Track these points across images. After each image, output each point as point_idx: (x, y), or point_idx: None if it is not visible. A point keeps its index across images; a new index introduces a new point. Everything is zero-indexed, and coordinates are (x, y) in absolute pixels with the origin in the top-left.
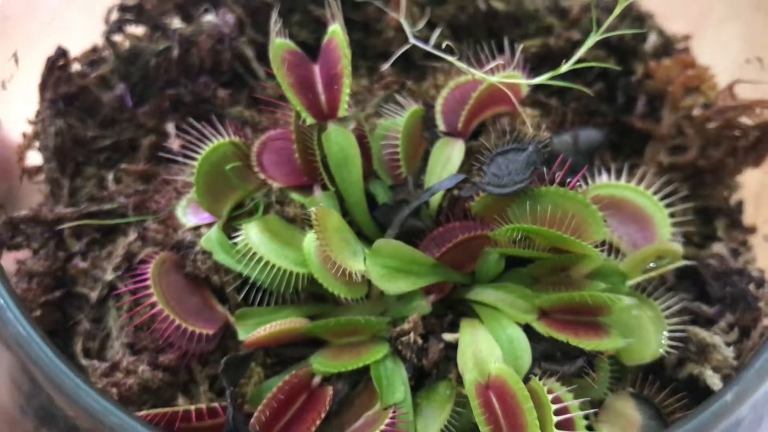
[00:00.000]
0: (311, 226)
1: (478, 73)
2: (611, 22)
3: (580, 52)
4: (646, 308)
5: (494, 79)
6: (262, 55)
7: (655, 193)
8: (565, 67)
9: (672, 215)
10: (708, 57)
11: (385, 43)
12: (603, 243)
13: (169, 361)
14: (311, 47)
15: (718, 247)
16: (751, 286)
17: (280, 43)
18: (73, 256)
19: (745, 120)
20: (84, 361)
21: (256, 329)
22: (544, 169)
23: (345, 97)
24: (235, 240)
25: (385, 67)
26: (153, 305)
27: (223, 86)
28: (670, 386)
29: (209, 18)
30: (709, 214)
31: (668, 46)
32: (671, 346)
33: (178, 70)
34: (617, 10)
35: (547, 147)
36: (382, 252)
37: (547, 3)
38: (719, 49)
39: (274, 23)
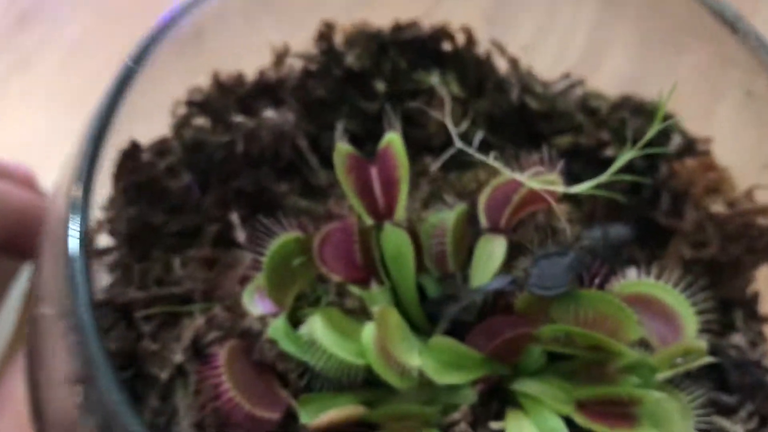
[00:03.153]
0: (369, 319)
1: (520, 178)
2: (637, 122)
3: (617, 164)
4: (674, 400)
5: (536, 185)
6: (314, 145)
7: (682, 291)
8: (605, 177)
9: (697, 312)
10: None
11: (427, 137)
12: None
13: None
14: (357, 138)
15: (737, 338)
16: None
17: (342, 149)
18: (143, 336)
19: (762, 221)
20: None
21: (318, 415)
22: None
23: (402, 202)
24: (300, 331)
25: (434, 168)
26: (225, 390)
27: (279, 175)
28: None
29: (270, 114)
30: (728, 304)
31: (690, 147)
32: None
33: (241, 162)
34: (653, 130)
35: (589, 254)
36: (437, 348)
37: (577, 102)
38: (729, 142)
39: (340, 132)
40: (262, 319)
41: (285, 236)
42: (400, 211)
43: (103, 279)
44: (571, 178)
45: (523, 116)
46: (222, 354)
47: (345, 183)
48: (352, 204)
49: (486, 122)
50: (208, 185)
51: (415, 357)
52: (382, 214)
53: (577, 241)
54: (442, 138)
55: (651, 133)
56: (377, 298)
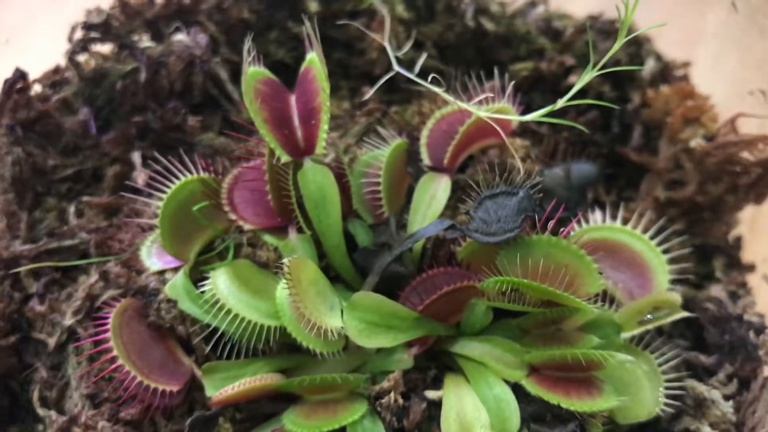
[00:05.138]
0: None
1: (466, 106)
2: (606, 46)
3: (577, 87)
4: (642, 362)
5: (484, 114)
6: (238, 76)
7: (653, 237)
8: (561, 103)
9: (670, 261)
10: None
11: (367, 64)
12: (597, 293)
13: (131, 416)
14: (289, 67)
15: (716, 290)
16: (751, 334)
17: (253, 73)
18: (31, 297)
19: (747, 156)
20: (41, 411)
21: (225, 386)
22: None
23: (323, 134)
24: (203, 288)
25: (368, 95)
26: (113, 359)
27: (194, 109)
28: None
29: (180, 37)
30: (707, 251)
31: (666, 73)
32: (667, 403)
33: (145, 94)
34: (617, 45)
35: (540, 193)
36: (361, 306)
37: (539, 23)
38: (711, 69)
39: (248, 50)
40: (161, 275)
41: (186, 178)
42: (321, 144)
43: None
44: (533, 110)
45: (478, 41)
46: (112, 317)
47: (256, 115)
48: (264, 137)
49: (436, 48)
50: (109, 121)
51: (336, 317)
52: (302, 149)
53: (530, 179)
54: (384, 66)
55: (615, 47)
56: (296, 248)
